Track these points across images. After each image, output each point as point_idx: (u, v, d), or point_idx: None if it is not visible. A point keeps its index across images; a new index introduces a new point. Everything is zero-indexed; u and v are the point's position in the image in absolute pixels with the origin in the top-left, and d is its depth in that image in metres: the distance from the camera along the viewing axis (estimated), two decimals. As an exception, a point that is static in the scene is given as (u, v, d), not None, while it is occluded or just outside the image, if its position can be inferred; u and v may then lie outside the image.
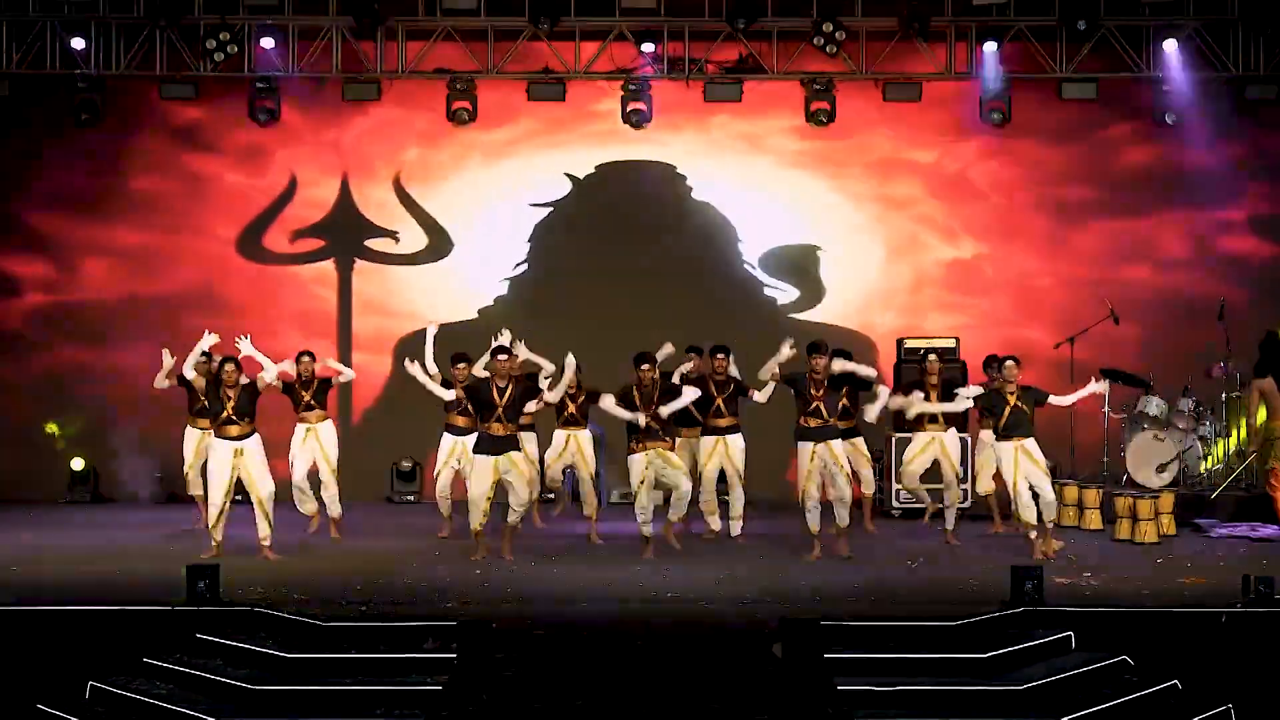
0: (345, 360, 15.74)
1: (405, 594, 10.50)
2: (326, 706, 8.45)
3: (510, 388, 11.87)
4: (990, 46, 15.52)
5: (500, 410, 11.83)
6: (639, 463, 12.16)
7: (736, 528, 12.95)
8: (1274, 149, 16.60)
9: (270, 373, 12.08)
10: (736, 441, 12.94)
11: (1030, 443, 12.11)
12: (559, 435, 13.26)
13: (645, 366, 12.06)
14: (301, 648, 9.09)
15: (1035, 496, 12.03)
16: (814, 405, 12.02)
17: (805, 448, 12.06)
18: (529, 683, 8.37)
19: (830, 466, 12.00)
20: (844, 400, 12.56)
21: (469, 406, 12.58)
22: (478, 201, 16.89)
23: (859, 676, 8.63)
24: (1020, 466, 12.04)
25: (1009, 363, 12.31)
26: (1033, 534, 12.08)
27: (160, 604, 9.72)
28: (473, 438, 12.27)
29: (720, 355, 12.87)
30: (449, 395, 12.53)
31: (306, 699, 8.52)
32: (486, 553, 12.04)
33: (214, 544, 11.97)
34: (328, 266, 16.91)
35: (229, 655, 9.15)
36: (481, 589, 10.66)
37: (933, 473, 13.28)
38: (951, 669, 8.91)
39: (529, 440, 13.01)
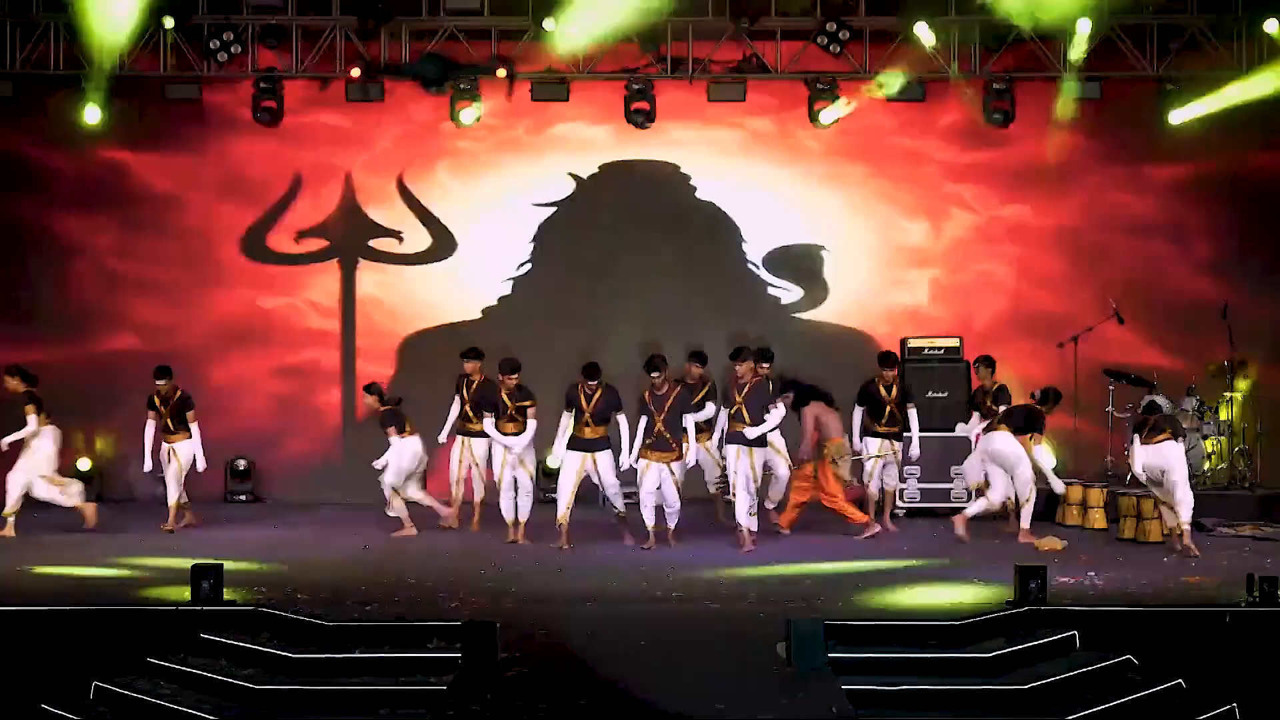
0: (348, 360, 15.81)
1: (409, 593, 10.49)
2: (331, 706, 8.47)
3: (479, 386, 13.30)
4: None
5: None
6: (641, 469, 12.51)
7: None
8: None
9: None
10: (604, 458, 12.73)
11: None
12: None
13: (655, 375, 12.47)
14: (305, 647, 9.11)
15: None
16: (736, 410, 12.57)
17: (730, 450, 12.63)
18: (533, 682, 8.37)
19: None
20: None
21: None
22: (481, 201, 16.87)
23: (863, 675, 8.64)
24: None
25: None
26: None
27: (164, 604, 9.74)
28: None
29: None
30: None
31: (311, 698, 8.53)
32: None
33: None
34: (331, 266, 16.91)
35: (233, 655, 9.17)
36: (485, 588, 10.67)
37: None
38: (955, 668, 8.92)
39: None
